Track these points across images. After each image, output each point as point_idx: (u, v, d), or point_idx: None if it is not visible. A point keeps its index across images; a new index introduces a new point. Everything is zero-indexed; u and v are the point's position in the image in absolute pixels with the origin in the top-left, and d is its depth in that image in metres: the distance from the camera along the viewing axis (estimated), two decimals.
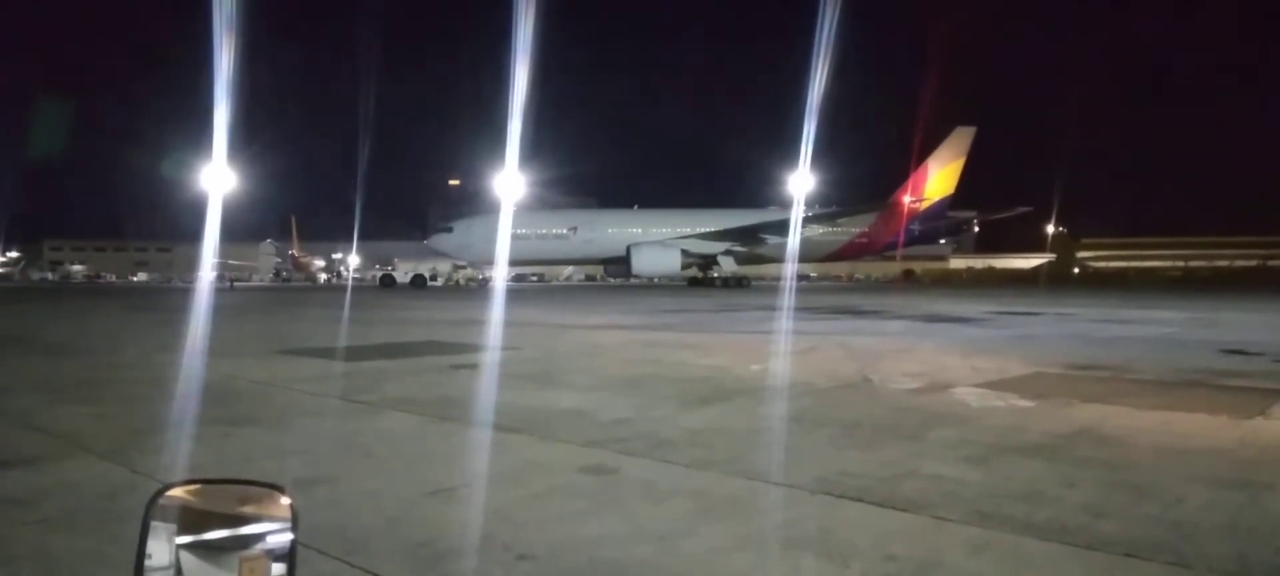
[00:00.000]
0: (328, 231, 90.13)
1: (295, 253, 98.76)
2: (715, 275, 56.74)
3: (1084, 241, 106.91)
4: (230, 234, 72.75)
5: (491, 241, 55.19)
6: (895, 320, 20.89)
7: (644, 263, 55.56)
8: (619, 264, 57.72)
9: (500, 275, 56.65)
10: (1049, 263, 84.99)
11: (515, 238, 54.69)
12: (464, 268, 67.56)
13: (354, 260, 75.29)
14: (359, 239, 65.98)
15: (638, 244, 56.05)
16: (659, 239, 56.97)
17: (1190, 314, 22.79)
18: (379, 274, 69.59)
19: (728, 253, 56.95)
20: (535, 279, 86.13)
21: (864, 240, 61.52)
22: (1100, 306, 27.01)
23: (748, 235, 57.00)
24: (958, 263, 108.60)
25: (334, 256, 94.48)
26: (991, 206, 69.62)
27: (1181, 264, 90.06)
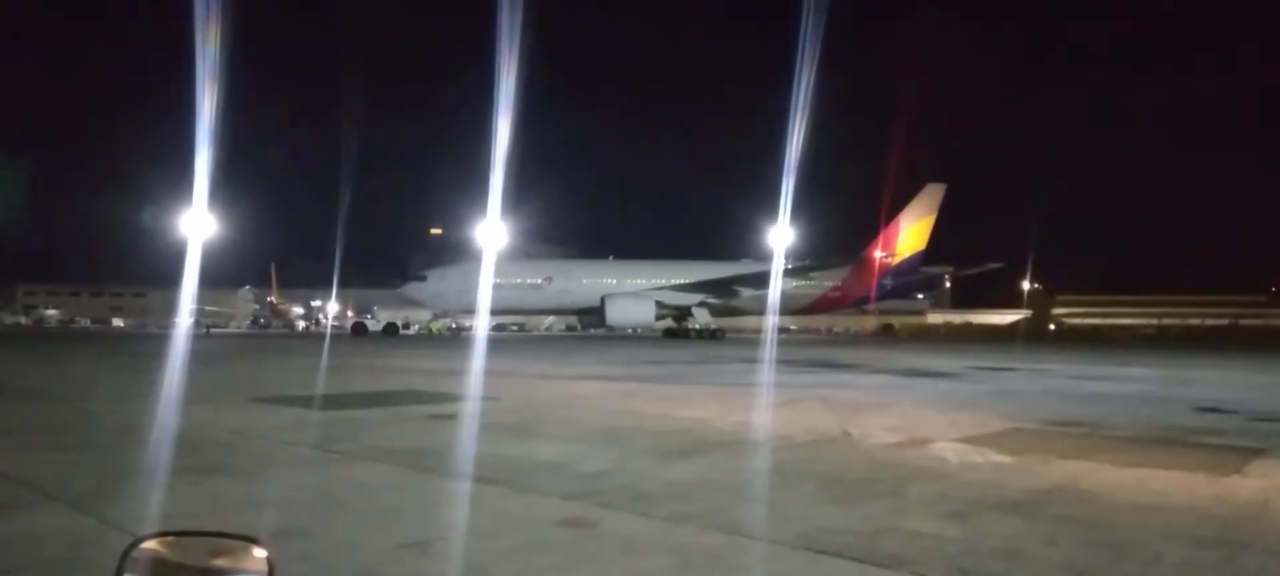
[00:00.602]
0: (307, 278, 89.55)
1: (274, 299, 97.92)
2: (690, 327, 56.80)
3: (1059, 298, 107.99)
4: (208, 280, 72.08)
5: (466, 291, 55.16)
6: (874, 374, 20.94)
7: (618, 314, 55.55)
8: (594, 314, 57.67)
9: (481, 324, 56.40)
10: (1025, 319, 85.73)
11: (489, 287, 54.67)
12: (444, 316, 67.28)
13: (333, 308, 74.75)
14: (340, 287, 65.54)
15: (612, 295, 56.08)
16: (633, 290, 57.07)
17: (1164, 371, 23.00)
18: (350, 322, 68.75)
19: (702, 304, 57.12)
20: (515, 328, 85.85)
21: (837, 294, 61.99)
22: (1076, 363, 27.21)
23: (722, 287, 57.28)
24: (935, 318, 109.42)
25: (313, 304, 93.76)
26: (965, 262, 70.56)
27: (1155, 321, 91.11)
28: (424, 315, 70.40)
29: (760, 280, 56.49)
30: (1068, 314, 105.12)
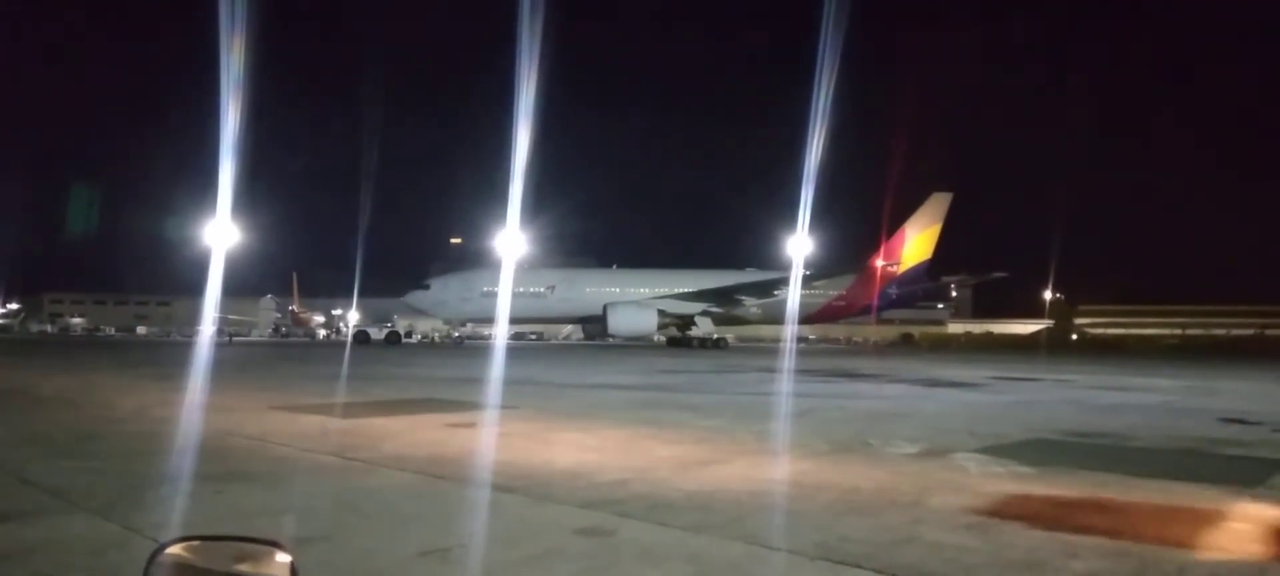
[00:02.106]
0: (328, 287, 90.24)
1: (295, 308, 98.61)
2: (692, 336, 56.63)
3: (1082, 308, 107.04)
4: (230, 288, 72.59)
5: (468, 299, 55.54)
6: (893, 383, 20.83)
7: (620, 322, 55.42)
8: (596, 323, 57.66)
9: (500, 333, 56.51)
10: (1047, 328, 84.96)
11: (491, 295, 54.96)
12: (464, 325, 67.48)
13: (354, 316, 75.19)
14: (360, 296, 65.86)
15: (614, 303, 56.03)
16: (636, 299, 56.99)
17: (1188, 382, 22.74)
18: (352, 331, 68.89)
19: (705, 313, 57.01)
20: (534, 337, 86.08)
21: (841, 303, 61.84)
22: (1098, 373, 26.95)
23: (725, 296, 57.19)
24: (956, 327, 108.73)
25: (334, 312, 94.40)
26: (970, 271, 70.65)
27: (1179, 332, 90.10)
28: (441, 324, 70.67)
29: (764, 289, 56.52)
30: (1090, 324, 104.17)
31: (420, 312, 63.00)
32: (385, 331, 65.17)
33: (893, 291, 61.59)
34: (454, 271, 60.34)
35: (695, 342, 55.57)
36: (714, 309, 57.25)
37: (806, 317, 63.05)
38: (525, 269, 57.28)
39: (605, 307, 55.60)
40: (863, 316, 67.11)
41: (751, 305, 57.34)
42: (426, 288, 58.32)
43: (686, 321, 57.23)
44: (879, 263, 60.10)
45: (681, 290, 57.73)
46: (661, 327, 57.07)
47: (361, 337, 63.43)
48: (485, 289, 54.97)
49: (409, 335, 70.30)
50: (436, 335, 72.63)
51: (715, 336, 56.35)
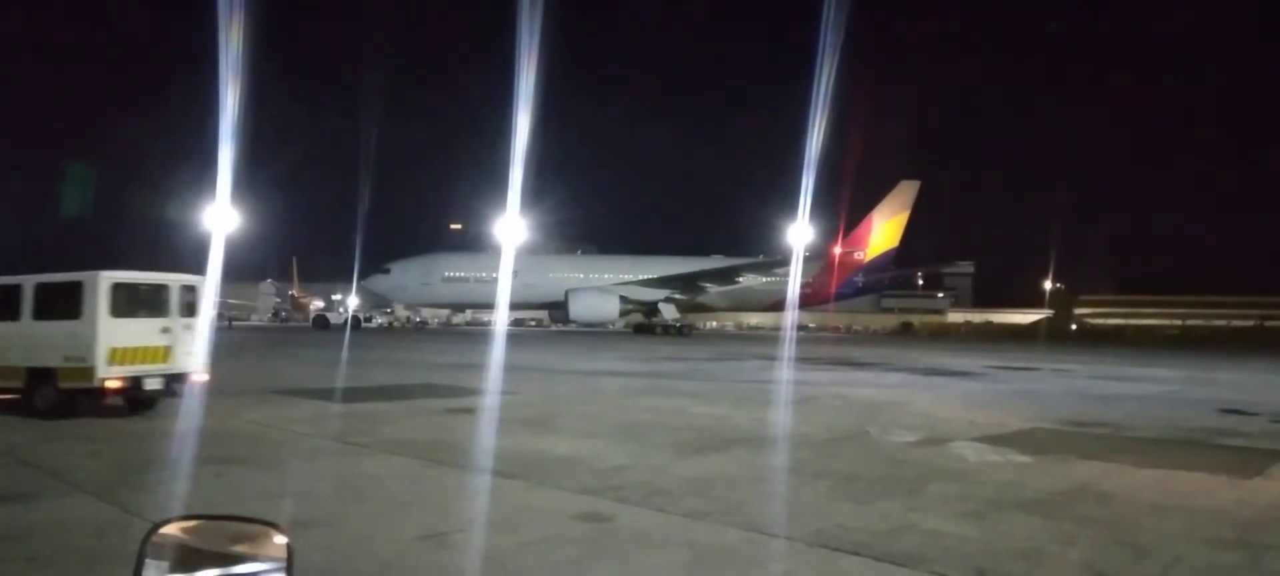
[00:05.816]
0: (328, 272, 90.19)
1: (295, 293, 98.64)
2: (656, 323, 56.50)
3: (1082, 298, 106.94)
4: (231, 273, 72.54)
5: (428, 284, 55.33)
6: (893, 372, 20.83)
7: (582, 308, 55.01)
8: (560, 308, 57.45)
9: (501, 318, 56.17)
10: (1047, 318, 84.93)
11: (453, 280, 54.79)
12: (463, 310, 67.43)
13: (353, 301, 75.29)
14: (360, 280, 65.83)
15: (576, 289, 55.69)
16: (598, 285, 56.75)
17: (1188, 372, 22.75)
18: (313, 316, 68.88)
19: (668, 299, 56.81)
20: (533, 324, 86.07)
21: (806, 290, 61.66)
22: (1098, 363, 26.95)
23: (687, 283, 57.02)
24: (955, 316, 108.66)
25: (334, 297, 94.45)
26: (935, 261, 71.53)
27: (1179, 322, 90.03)
28: (401, 309, 71.05)
29: (727, 275, 56.55)
30: (1090, 314, 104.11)
31: (380, 297, 62.84)
32: (344, 317, 65.30)
33: (859, 279, 61.57)
34: (415, 256, 59.78)
35: (659, 329, 55.49)
36: (677, 295, 56.99)
37: (771, 305, 62.86)
38: (489, 253, 56.74)
39: (567, 293, 55.37)
40: (826, 304, 66.92)
41: (714, 292, 57.37)
42: (387, 272, 57.72)
43: (651, 308, 57.05)
44: (837, 249, 59.85)
45: (645, 276, 57.55)
46: (627, 314, 56.80)
47: (321, 323, 63.41)
48: (446, 274, 54.85)
49: (368, 320, 70.51)
50: (457, 319, 72.60)
51: (680, 323, 56.22)
